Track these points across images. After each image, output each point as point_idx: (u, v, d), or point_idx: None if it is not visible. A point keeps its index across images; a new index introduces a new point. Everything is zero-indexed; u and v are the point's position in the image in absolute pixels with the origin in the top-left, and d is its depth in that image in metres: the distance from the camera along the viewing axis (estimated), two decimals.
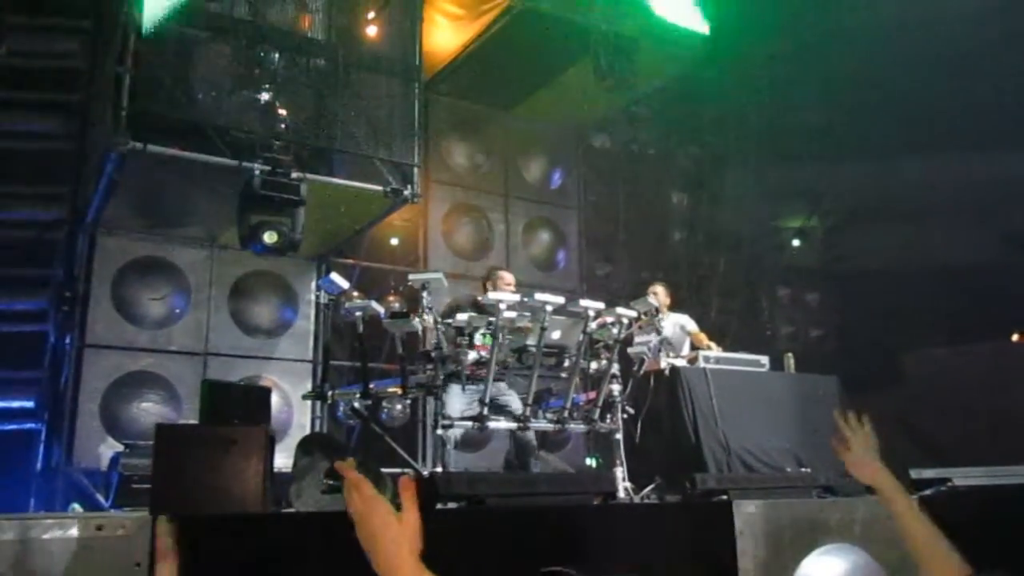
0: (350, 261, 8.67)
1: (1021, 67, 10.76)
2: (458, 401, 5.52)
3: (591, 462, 7.55)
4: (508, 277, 6.49)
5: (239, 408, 3.80)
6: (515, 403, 5.69)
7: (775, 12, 10.71)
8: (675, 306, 7.77)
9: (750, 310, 11.54)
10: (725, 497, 4.46)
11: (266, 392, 4.77)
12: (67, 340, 7.35)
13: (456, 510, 3.47)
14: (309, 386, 7.90)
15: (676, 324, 7.39)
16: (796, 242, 12.61)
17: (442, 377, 5.32)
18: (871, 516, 4.01)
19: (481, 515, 3.43)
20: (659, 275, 8.11)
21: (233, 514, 3.13)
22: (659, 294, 7.37)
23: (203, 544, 2.78)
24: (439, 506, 3.43)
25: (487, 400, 5.28)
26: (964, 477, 5.35)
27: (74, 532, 2.49)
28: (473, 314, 5.56)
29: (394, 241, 9.42)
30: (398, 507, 1.36)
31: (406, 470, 6.06)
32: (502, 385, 5.79)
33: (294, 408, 8.00)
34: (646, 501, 5.33)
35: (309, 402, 7.79)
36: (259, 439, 3.28)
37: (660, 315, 7.11)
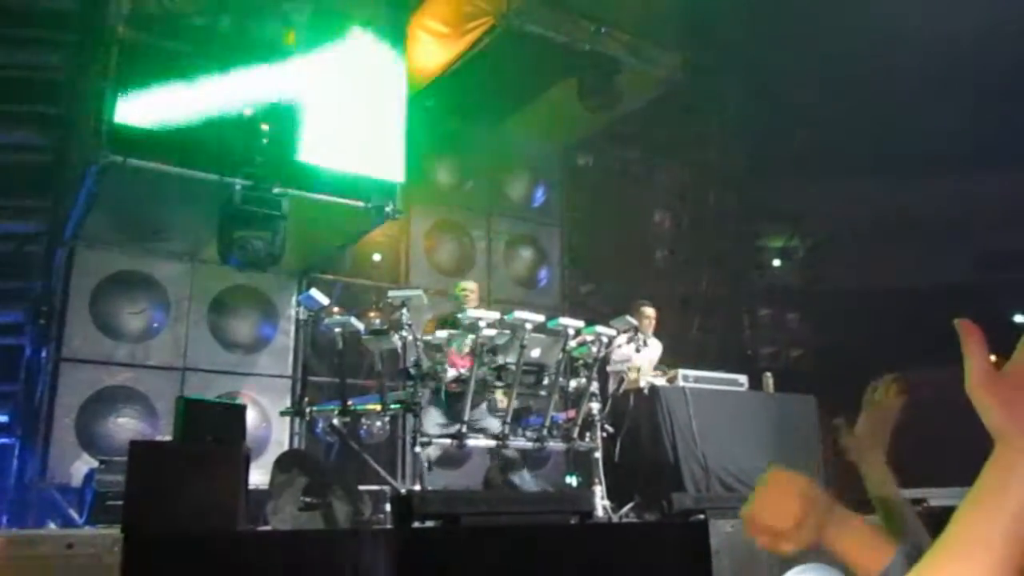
0: (331, 277, 8.64)
1: (996, 90, 10.94)
2: (436, 420, 5.54)
3: (571, 480, 7.53)
4: (471, 284, 6.72)
5: (215, 425, 3.77)
6: (493, 425, 5.69)
7: (757, 34, 10.83)
8: (657, 328, 7.64)
9: (731, 329, 11.58)
10: (702, 516, 4.47)
11: (242, 409, 4.73)
12: (43, 354, 7.28)
13: (431, 529, 3.45)
14: (288, 402, 7.85)
15: (656, 352, 7.24)
16: (777, 262, 12.69)
17: (421, 394, 5.32)
18: None
19: (456, 534, 3.42)
20: (641, 294, 8.07)
21: (208, 532, 3.10)
22: (651, 317, 7.14)
23: (177, 563, 2.75)
24: (414, 525, 3.41)
25: (465, 419, 5.28)
26: (940, 497, 5.39)
27: (43, 550, 2.47)
28: (453, 331, 5.58)
29: (376, 257, 9.40)
30: None
31: (384, 487, 6.04)
32: (482, 408, 5.82)
33: (272, 424, 7.95)
34: (624, 520, 5.33)
35: (287, 418, 7.74)
36: (234, 457, 3.26)
37: (645, 336, 7.05)
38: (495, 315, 5.47)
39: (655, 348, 7.23)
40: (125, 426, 7.26)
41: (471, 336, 5.32)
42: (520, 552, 3.30)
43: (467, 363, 5.52)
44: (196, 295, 7.89)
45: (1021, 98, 10.62)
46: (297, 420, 7.69)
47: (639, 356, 6.92)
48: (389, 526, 4.23)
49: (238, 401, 7.65)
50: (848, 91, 11.70)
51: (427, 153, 9.50)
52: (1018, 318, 11.59)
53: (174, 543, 2.79)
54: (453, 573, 3.04)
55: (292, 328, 8.29)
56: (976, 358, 0.87)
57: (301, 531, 3.67)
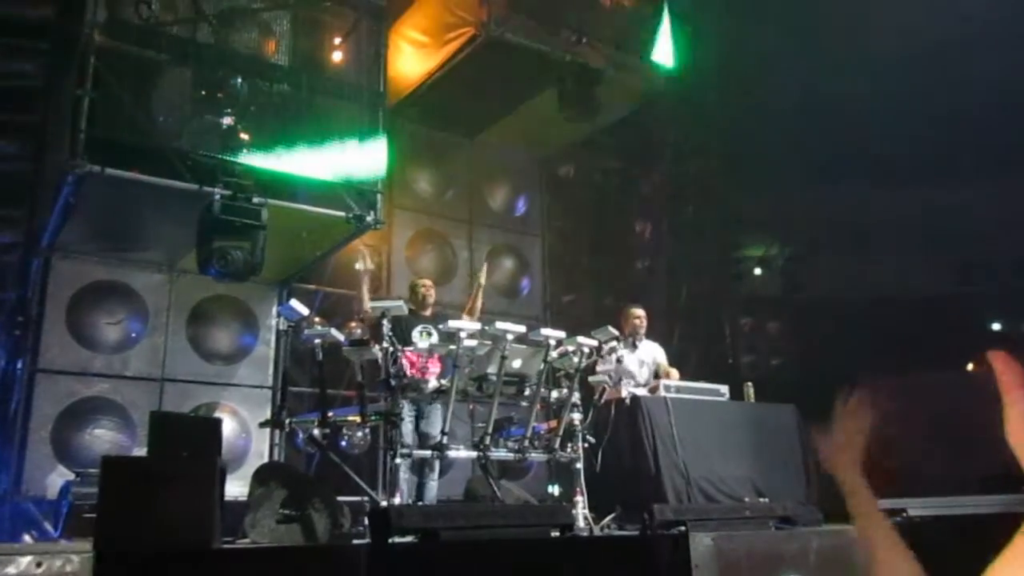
0: (312, 286, 8.59)
1: (978, 102, 11.06)
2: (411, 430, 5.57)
3: (553, 489, 7.52)
4: (426, 282, 6.86)
5: (189, 440, 3.73)
6: (434, 430, 5.72)
7: (738, 45, 10.90)
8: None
9: (712, 339, 11.61)
10: (683, 528, 4.46)
11: (217, 423, 4.68)
12: (18, 365, 7.18)
13: (409, 544, 3.42)
14: (269, 413, 7.78)
15: (651, 352, 7.26)
16: (757, 271, 12.75)
17: (401, 405, 5.30)
18: (826, 547, 4.03)
19: (435, 550, 3.39)
20: (622, 303, 8.08)
21: (182, 549, 3.06)
22: (641, 317, 7.18)
23: None
24: (393, 540, 3.38)
25: (445, 430, 5.26)
26: (919, 508, 5.42)
27: (11, 569, 2.42)
28: (434, 341, 5.56)
29: (358, 266, 9.35)
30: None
31: (364, 499, 6.00)
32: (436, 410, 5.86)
33: (252, 436, 7.87)
34: (605, 532, 5.31)
35: (267, 430, 7.67)
36: (209, 471, 3.22)
37: (639, 339, 7.08)
38: (476, 326, 5.46)
39: (650, 349, 7.22)
40: (102, 438, 7.17)
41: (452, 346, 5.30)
42: (500, 567, 3.28)
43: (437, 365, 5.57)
44: (175, 305, 7.81)
45: (999, 110, 10.74)
46: (277, 431, 7.63)
47: (631, 359, 6.92)
48: (368, 540, 4.19)
49: (217, 413, 7.59)
50: (828, 101, 11.79)
51: (408, 163, 9.49)
52: (996, 327, 11.69)
53: (147, 561, 2.75)
54: None
55: (272, 338, 8.23)
56: (1017, 405, 0.85)
57: (275, 547, 3.63)
